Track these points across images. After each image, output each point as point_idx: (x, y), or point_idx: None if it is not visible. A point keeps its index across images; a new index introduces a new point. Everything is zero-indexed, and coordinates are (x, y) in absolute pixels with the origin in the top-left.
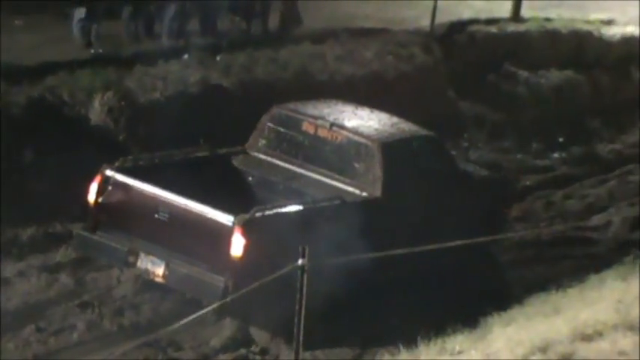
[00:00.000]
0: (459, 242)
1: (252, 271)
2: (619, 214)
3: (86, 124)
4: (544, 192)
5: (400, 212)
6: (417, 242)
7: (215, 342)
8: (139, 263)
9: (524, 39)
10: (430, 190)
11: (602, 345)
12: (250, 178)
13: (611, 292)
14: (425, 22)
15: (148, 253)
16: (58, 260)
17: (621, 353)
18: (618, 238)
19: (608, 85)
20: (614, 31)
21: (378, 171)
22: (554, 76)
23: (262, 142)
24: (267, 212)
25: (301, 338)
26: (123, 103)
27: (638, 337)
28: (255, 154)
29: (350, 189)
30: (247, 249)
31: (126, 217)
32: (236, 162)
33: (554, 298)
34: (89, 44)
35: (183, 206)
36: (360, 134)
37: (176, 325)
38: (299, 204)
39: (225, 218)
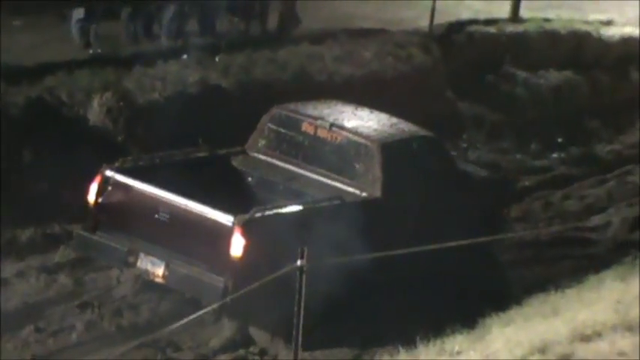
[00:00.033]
0: (458, 243)
1: (252, 272)
2: (618, 214)
3: (85, 125)
4: (543, 192)
5: (400, 212)
6: (416, 242)
7: (214, 342)
8: (138, 263)
9: (523, 39)
10: (430, 190)
11: (601, 345)
12: (250, 179)
13: (610, 293)
14: (424, 23)
15: (148, 253)
16: (56, 261)
17: (620, 354)
18: (617, 238)
19: (607, 86)
20: (613, 32)
21: (377, 171)
22: (553, 76)
23: (262, 142)
24: (267, 212)
25: (300, 339)
26: (122, 103)
27: (636, 338)
28: (255, 154)
29: (350, 189)
30: (247, 249)
31: (126, 217)
32: (236, 162)
33: (553, 298)
34: (88, 45)
35: (183, 206)
36: (360, 135)
37: (175, 326)
38: (299, 204)
39: (225, 218)
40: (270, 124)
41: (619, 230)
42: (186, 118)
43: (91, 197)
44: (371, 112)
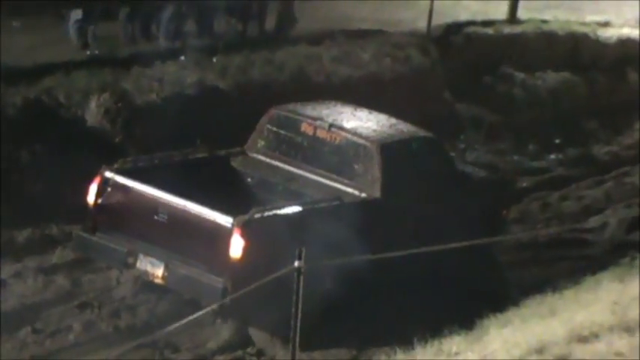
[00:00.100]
0: (457, 244)
1: (251, 273)
2: (615, 215)
3: (82, 126)
4: (540, 193)
5: (399, 213)
6: (415, 243)
7: (212, 343)
8: (138, 264)
9: (520, 41)
10: (429, 191)
11: (598, 346)
12: (249, 180)
13: (607, 294)
14: (421, 24)
15: (147, 254)
16: (54, 262)
17: (617, 355)
18: (614, 239)
19: (605, 87)
20: (610, 33)
21: (376, 172)
22: (551, 77)
23: (261, 143)
24: (266, 213)
25: (297, 340)
26: (119, 104)
27: (634, 339)
28: (254, 155)
29: (349, 190)
30: (246, 250)
31: (125, 218)
32: (235, 163)
33: (551, 299)
34: (86, 45)
35: (182, 207)
36: (359, 135)
37: (173, 327)
38: (298, 205)
39: (224, 219)
40: (269, 125)
41: (616, 231)
42: (183, 119)
43: (91, 198)
44: (370, 112)
